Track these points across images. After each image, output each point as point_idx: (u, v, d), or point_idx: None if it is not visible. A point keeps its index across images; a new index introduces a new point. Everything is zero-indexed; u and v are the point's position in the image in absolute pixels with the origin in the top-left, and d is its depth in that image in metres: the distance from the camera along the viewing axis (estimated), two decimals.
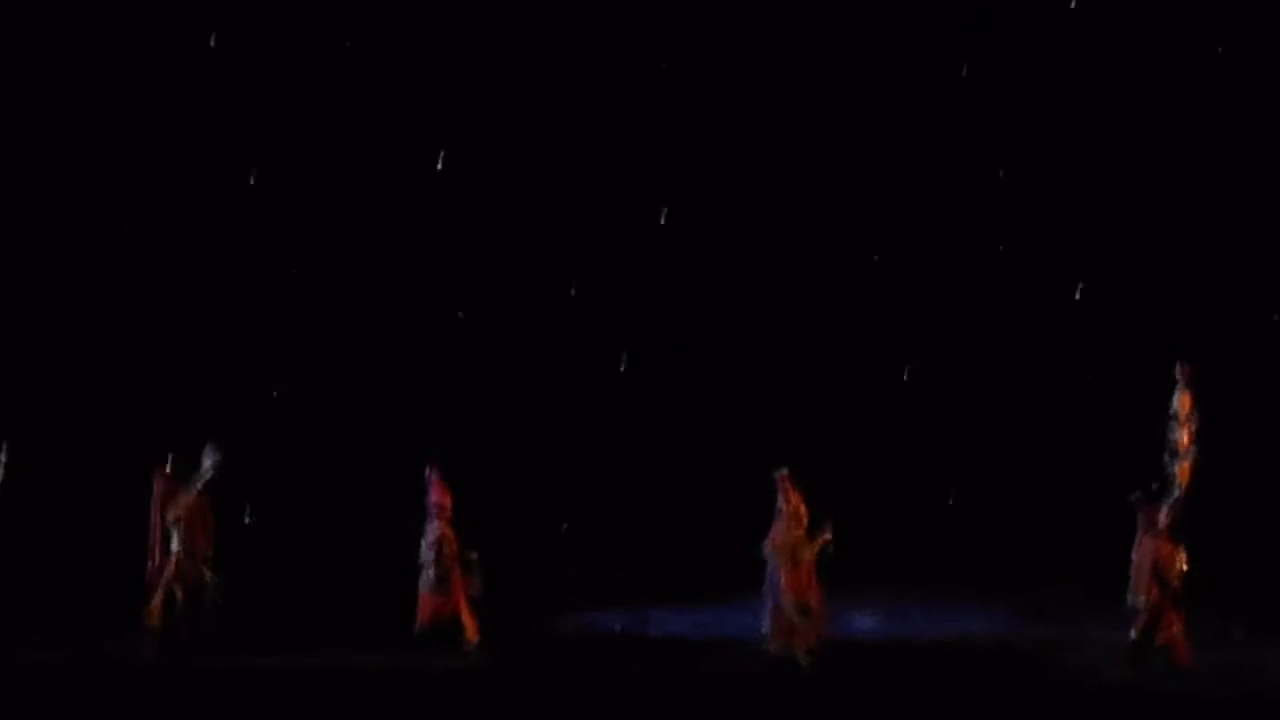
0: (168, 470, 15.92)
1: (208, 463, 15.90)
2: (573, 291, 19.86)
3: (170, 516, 15.81)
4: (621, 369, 19.76)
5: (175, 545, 15.78)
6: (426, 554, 16.22)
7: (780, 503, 16.13)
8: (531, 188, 19.75)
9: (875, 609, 17.81)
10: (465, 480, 16.42)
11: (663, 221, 19.67)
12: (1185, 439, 15.89)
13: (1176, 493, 15.84)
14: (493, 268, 19.92)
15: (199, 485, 15.88)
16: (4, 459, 16.15)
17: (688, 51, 19.78)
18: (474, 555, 16.28)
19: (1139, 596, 15.76)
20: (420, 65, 19.56)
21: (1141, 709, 14.35)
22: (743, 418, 19.59)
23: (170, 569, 15.78)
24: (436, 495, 16.33)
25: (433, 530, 16.27)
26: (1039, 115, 19.52)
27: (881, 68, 19.65)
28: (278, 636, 16.15)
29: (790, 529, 16.03)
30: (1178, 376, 15.93)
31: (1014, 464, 19.09)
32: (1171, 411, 15.93)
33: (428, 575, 16.18)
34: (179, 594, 15.75)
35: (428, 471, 16.37)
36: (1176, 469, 15.89)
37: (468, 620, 16.18)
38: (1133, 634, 15.71)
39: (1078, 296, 19.39)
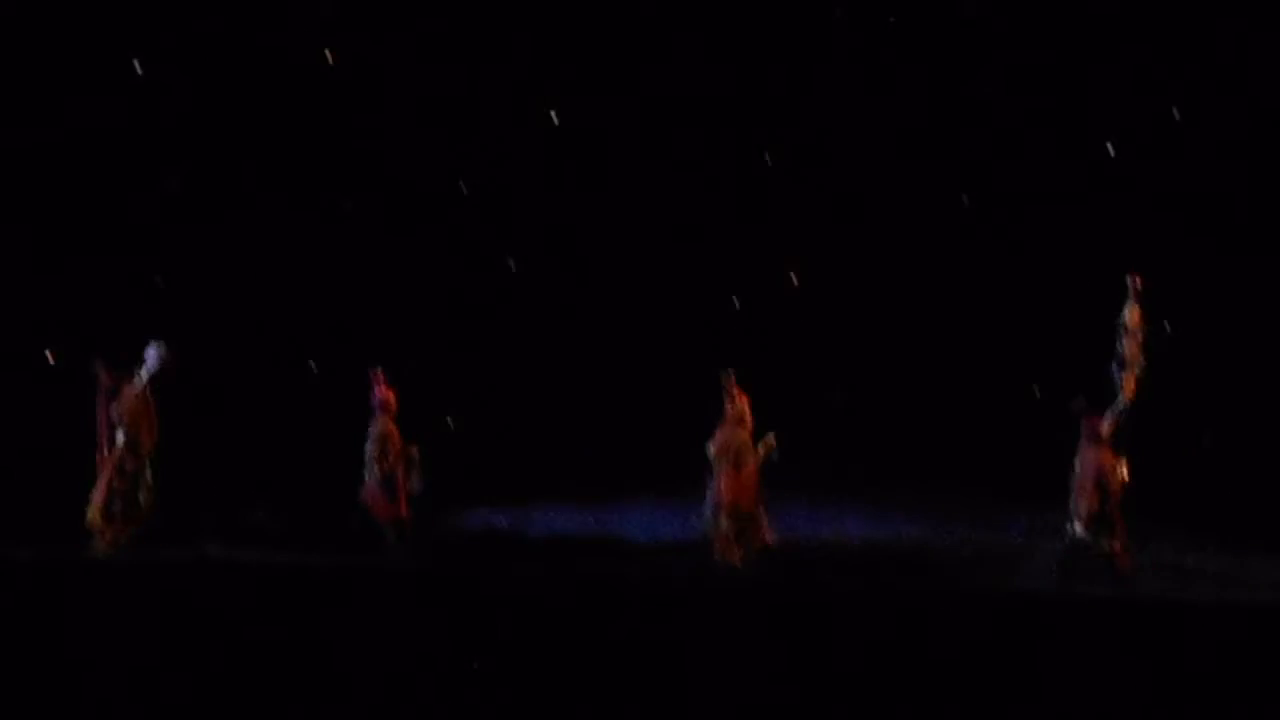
0: (110, 367, 15.80)
1: (151, 356, 15.79)
2: (465, 191, 19.79)
3: (115, 413, 15.72)
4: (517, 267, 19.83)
5: (119, 440, 15.71)
6: (370, 450, 16.22)
7: (726, 405, 16.13)
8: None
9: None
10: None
11: None
12: (1133, 350, 15.90)
13: (1122, 403, 15.88)
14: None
15: (143, 380, 15.78)
16: None
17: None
18: (415, 451, 16.27)
19: (1078, 504, 15.84)
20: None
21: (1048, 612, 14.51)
22: (634, 316, 19.63)
23: (111, 463, 15.72)
24: (381, 392, 16.30)
25: (377, 427, 16.25)
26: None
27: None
28: (217, 531, 16.13)
29: (735, 432, 16.02)
30: (1129, 288, 15.90)
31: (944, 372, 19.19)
32: (1120, 322, 15.92)
33: (373, 472, 16.18)
34: (119, 488, 15.69)
35: (372, 370, 16.33)
36: (1122, 379, 15.93)
37: (406, 517, 16.21)
38: (1070, 539, 15.80)
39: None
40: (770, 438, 15.91)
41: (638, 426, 18.39)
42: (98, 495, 15.65)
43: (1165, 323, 16.74)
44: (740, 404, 16.08)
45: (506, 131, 19.67)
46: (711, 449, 16.06)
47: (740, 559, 15.73)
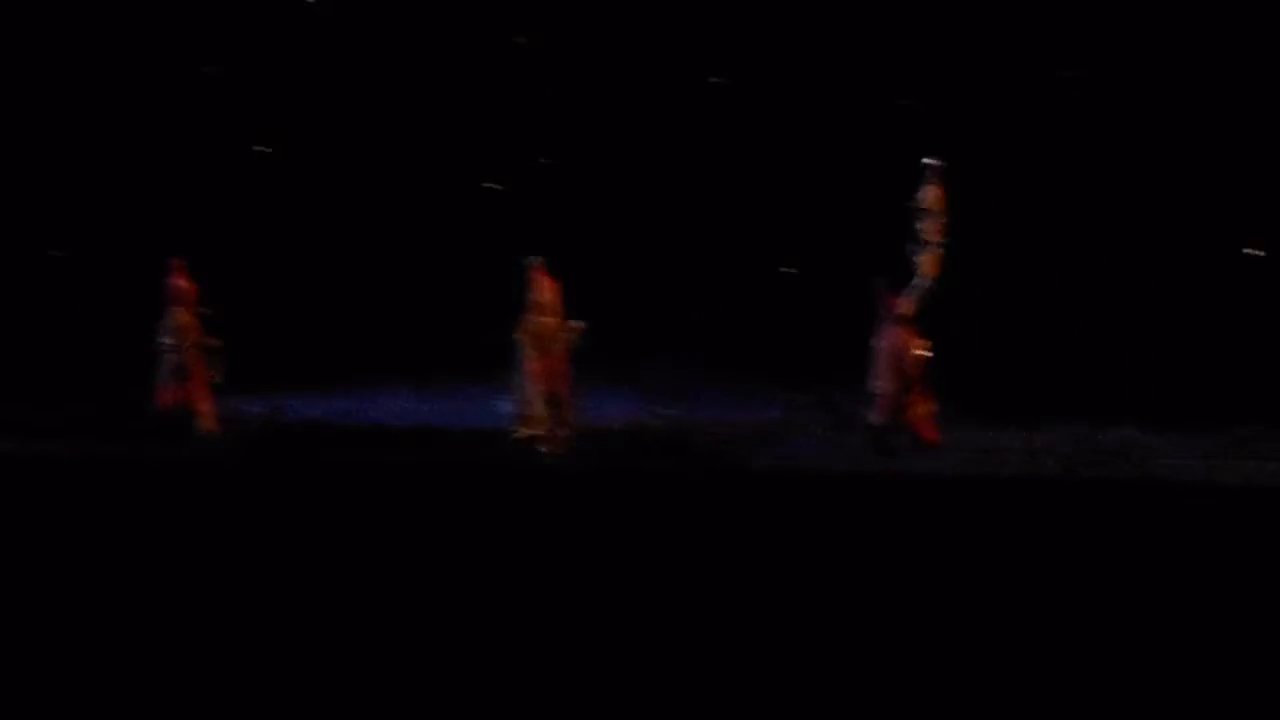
0: None
1: None
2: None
3: None
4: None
5: None
6: (167, 341, 15.90)
7: (532, 293, 16.08)
8: None
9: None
10: None
11: None
12: (932, 230, 16.12)
13: (920, 282, 16.11)
14: None
15: None
16: None
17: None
18: (215, 342, 15.97)
19: (878, 382, 16.07)
20: None
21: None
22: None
23: None
24: (178, 281, 15.96)
25: (174, 317, 15.93)
26: None
27: None
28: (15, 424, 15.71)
29: (540, 318, 15.98)
30: (928, 169, 16.10)
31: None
32: (918, 202, 16.12)
33: (168, 361, 15.86)
34: None
35: (171, 260, 15.99)
36: (921, 259, 16.15)
37: (205, 408, 15.94)
38: (874, 418, 16.03)
39: None
40: (577, 323, 15.89)
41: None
42: None
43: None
44: (546, 290, 16.02)
45: None
46: (520, 336, 16.00)
47: (561, 443, 15.72)
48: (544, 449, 15.68)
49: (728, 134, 19.63)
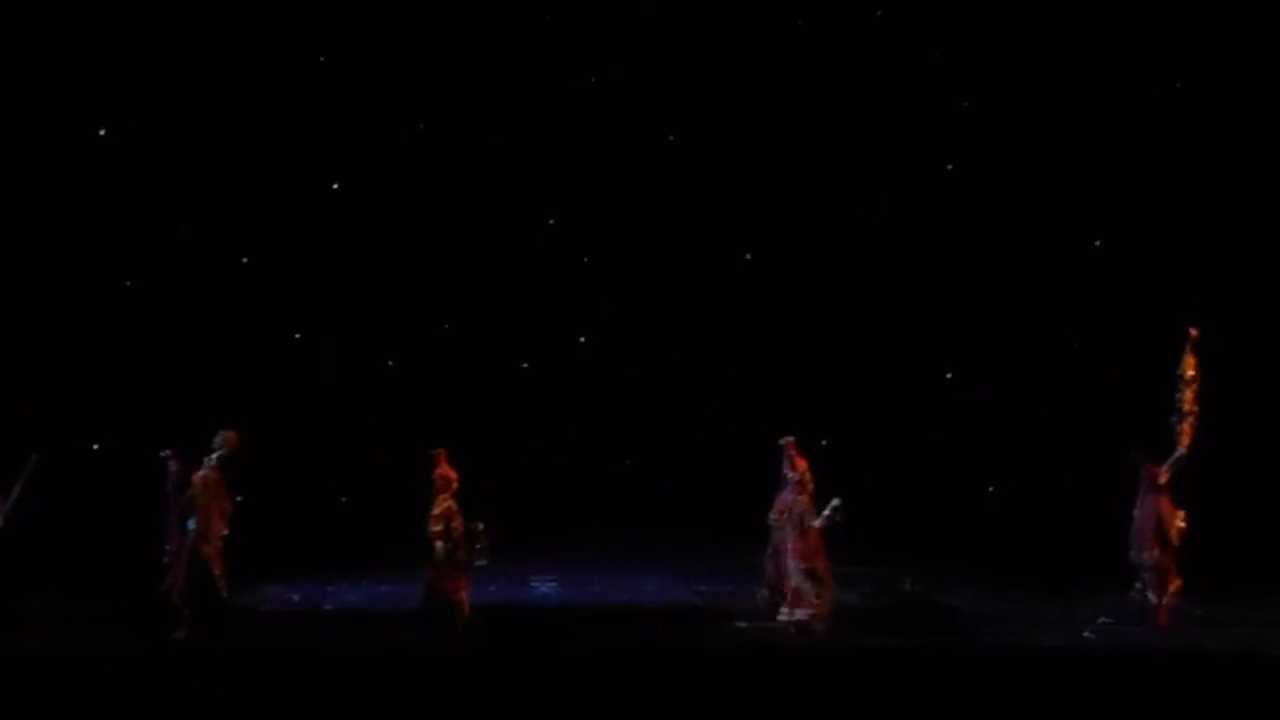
0: (181, 457, 15.73)
1: (218, 442, 15.72)
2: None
3: (186, 496, 15.62)
4: None
5: (191, 524, 15.57)
6: (433, 529, 16.10)
7: (786, 470, 16.15)
8: None
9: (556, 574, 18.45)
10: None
11: None
12: (1189, 400, 16.04)
13: (1179, 452, 16.01)
14: None
15: (212, 463, 15.68)
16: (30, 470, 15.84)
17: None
18: (480, 527, 16.17)
19: (1143, 554, 15.93)
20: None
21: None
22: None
23: (182, 548, 15.59)
24: (442, 469, 16.23)
25: (439, 504, 16.14)
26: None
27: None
28: (290, 616, 16.05)
29: (796, 496, 16.03)
30: (1187, 338, 16.08)
31: None
32: (1178, 372, 16.07)
33: (436, 550, 16.07)
34: (184, 575, 15.55)
35: (433, 450, 16.29)
36: (1180, 429, 16.06)
37: (463, 596, 16.06)
38: (1149, 594, 15.90)
39: None
40: (835, 500, 15.91)
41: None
42: (176, 577, 15.51)
43: None
44: (801, 468, 16.10)
45: None
46: (774, 515, 16.08)
47: (813, 620, 15.72)
48: (817, 627, 15.67)
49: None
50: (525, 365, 20.95)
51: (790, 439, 16.24)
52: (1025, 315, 19.96)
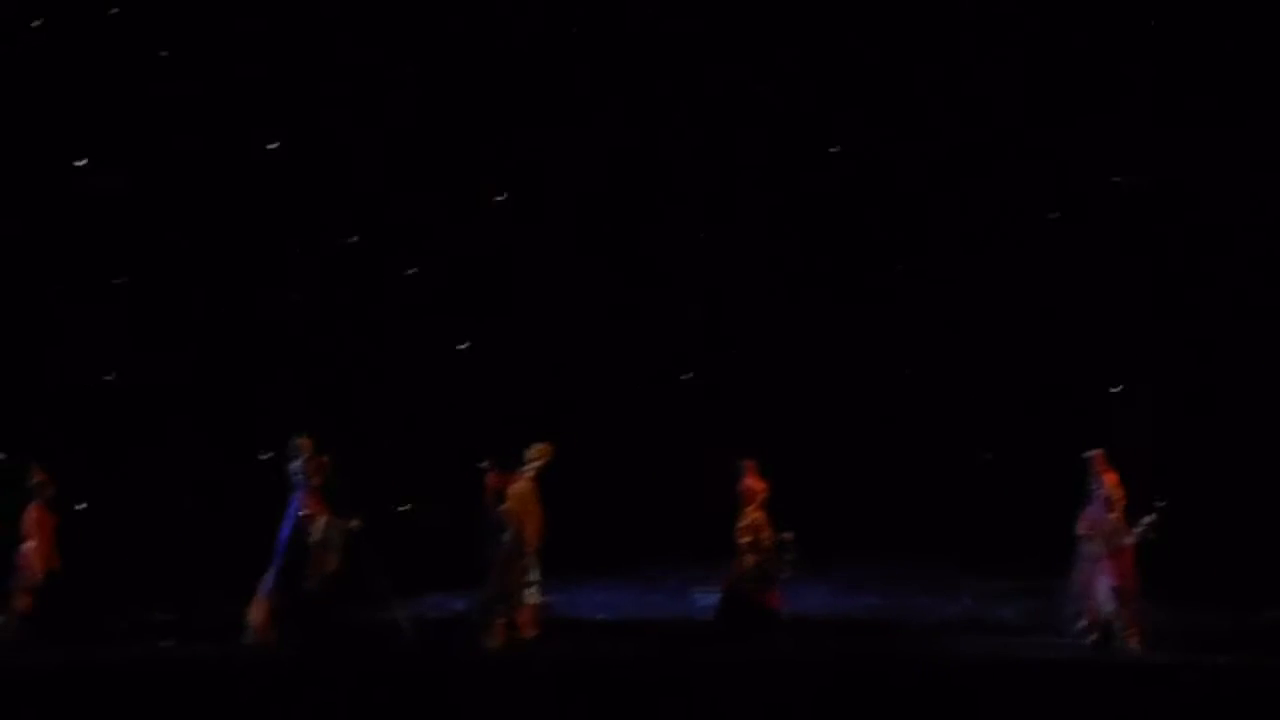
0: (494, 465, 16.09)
1: (531, 454, 16.04)
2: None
3: (501, 509, 15.96)
4: None
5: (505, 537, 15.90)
6: (742, 540, 16.24)
7: (1093, 484, 15.99)
8: None
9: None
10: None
11: None
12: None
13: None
14: None
15: (527, 475, 15.97)
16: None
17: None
18: (789, 537, 16.28)
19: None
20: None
21: None
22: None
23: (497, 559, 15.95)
24: (750, 481, 16.36)
25: (746, 516, 16.28)
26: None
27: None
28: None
29: (1106, 512, 15.87)
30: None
31: None
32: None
33: (746, 562, 16.20)
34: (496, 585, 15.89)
35: (741, 460, 16.43)
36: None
37: (774, 606, 16.23)
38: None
39: None
40: (1150, 518, 15.73)
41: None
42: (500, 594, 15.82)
43: None
44: (1110, 483, 15.93)
45: None
46: (1082, 529, 15.96)
47: (1128, 636, 15.62)
48: (1132, 645, 15.59)
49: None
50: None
51: (1098, 452, 16.07)
52: None
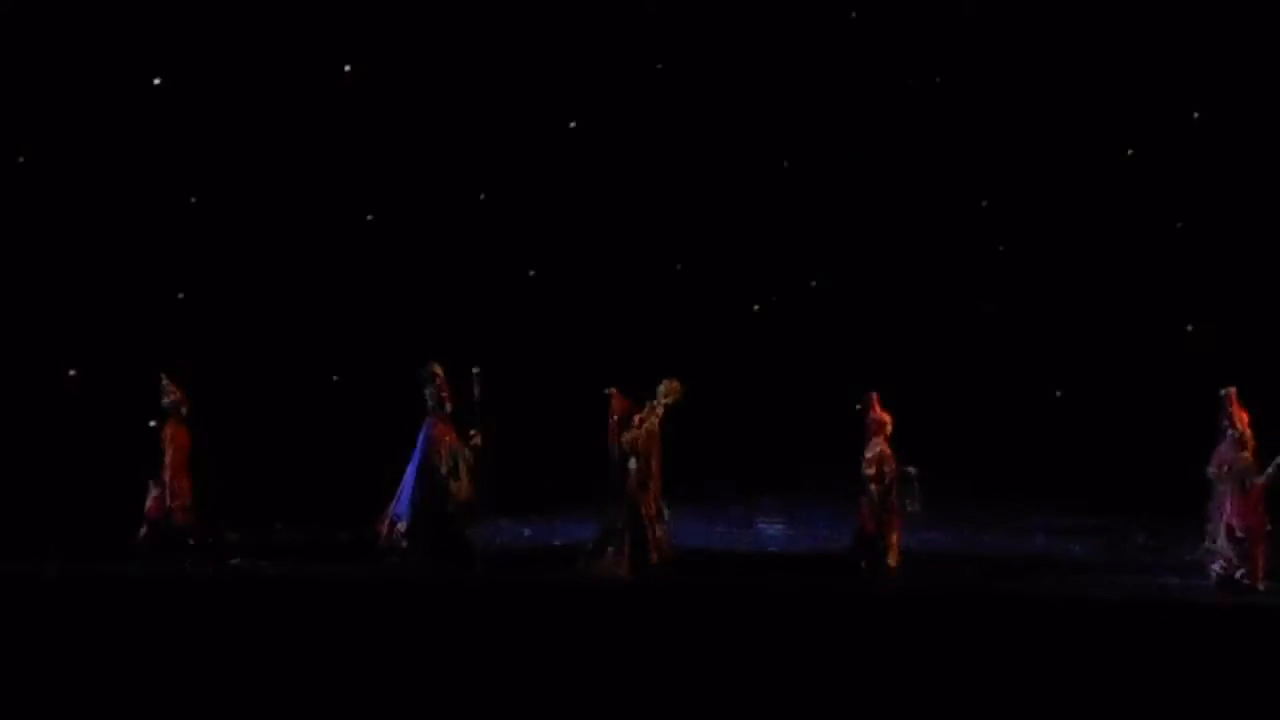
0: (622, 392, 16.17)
1: (661, 390, 16.11)
2: None
3: (628, 436, 16.05)
4: None
5: (631, 464, 15.98)
6: (866, 471, 16.29)
7: (1224, 423, 15.89)
8: None
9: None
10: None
11: None
12: None
13: None
14: None
15: (656, 410, 16.05)
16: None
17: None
18: (913, 471, 16.31)
19: None
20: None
21: None
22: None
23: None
24: (876, 413, 16.39)
25: (872, 448, 16.33)
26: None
27: None
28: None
29: (1238, 453, 15.78)
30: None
31: None
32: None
33: (869, 492, 16.27)
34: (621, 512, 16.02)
35: (867, 392, 16.46)
36: None
37: (894, 541, 16.24)
38: None
39: None
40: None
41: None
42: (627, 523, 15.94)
43: None
44: (1241, 422, 15.82)
45: None
46: (1213, 468, 15.88)
47: (1250, 575, 15.58)
48: (1254, 586, 15.53)
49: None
50: (755, 307, 21.09)
51: (1231, 390, 15.94)
52: None
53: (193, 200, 19.68)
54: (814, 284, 21.08)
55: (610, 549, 15.83)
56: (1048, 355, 20.34)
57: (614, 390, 16.12)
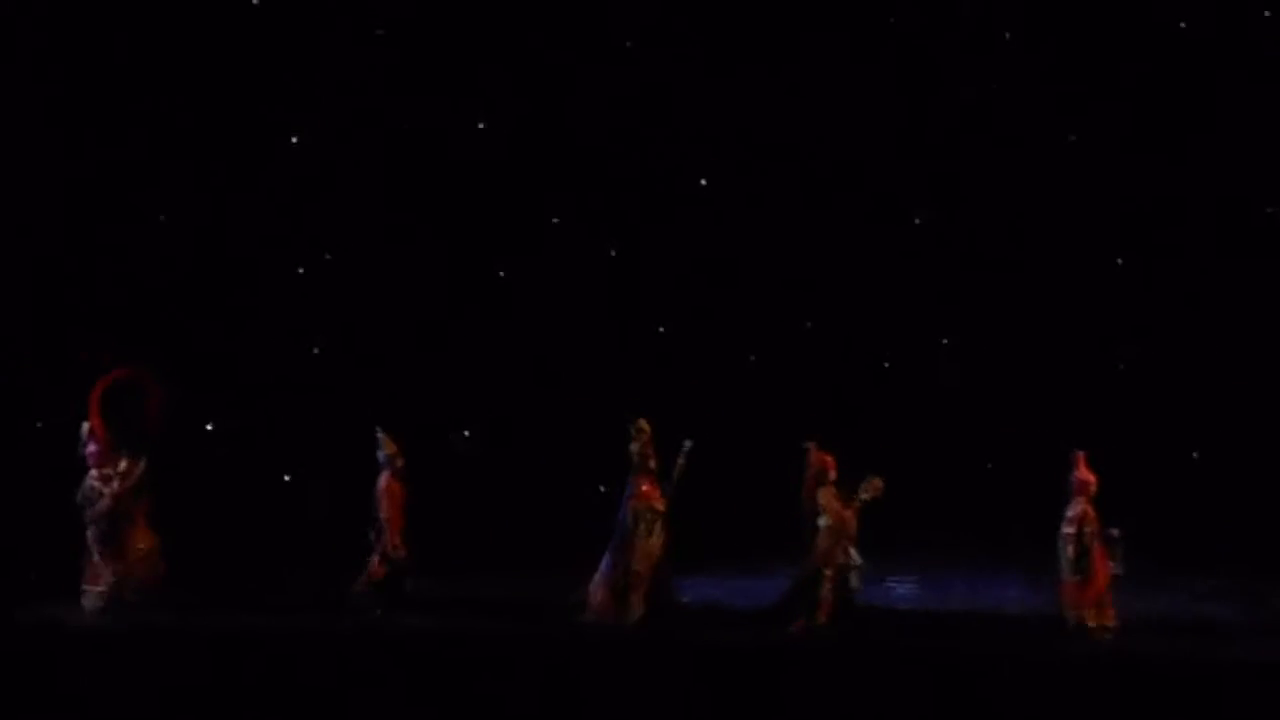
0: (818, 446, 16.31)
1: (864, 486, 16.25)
2: None
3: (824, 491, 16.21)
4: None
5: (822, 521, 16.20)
6: (1065, 530, 16.19)
7: None
8: None
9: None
10: None
11: None
12: None
13: None
14: None
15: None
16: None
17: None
18: (1117, 533, 16.20)
19: None
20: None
21: None
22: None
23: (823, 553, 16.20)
24: (1081, 473, 16.31)
25: (1074, 507, 16.22)
26: None
27: None
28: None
29: None
30: None
31: None
32: None
33: (1065, 554, 16.15)
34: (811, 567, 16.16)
35: (1073, 452, 16.39)
36: None
37: (1093, 599, 16.05)
38: None
39: None
40: None
41: None
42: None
43: None
44: None
45: None
46: None
47: None
48: None
49: None
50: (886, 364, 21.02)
51: None
52: None
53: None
54: (945, 341, 21.06)
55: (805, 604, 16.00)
56: (1187, 413, 20.06)
57: (812, 444, 16.27)
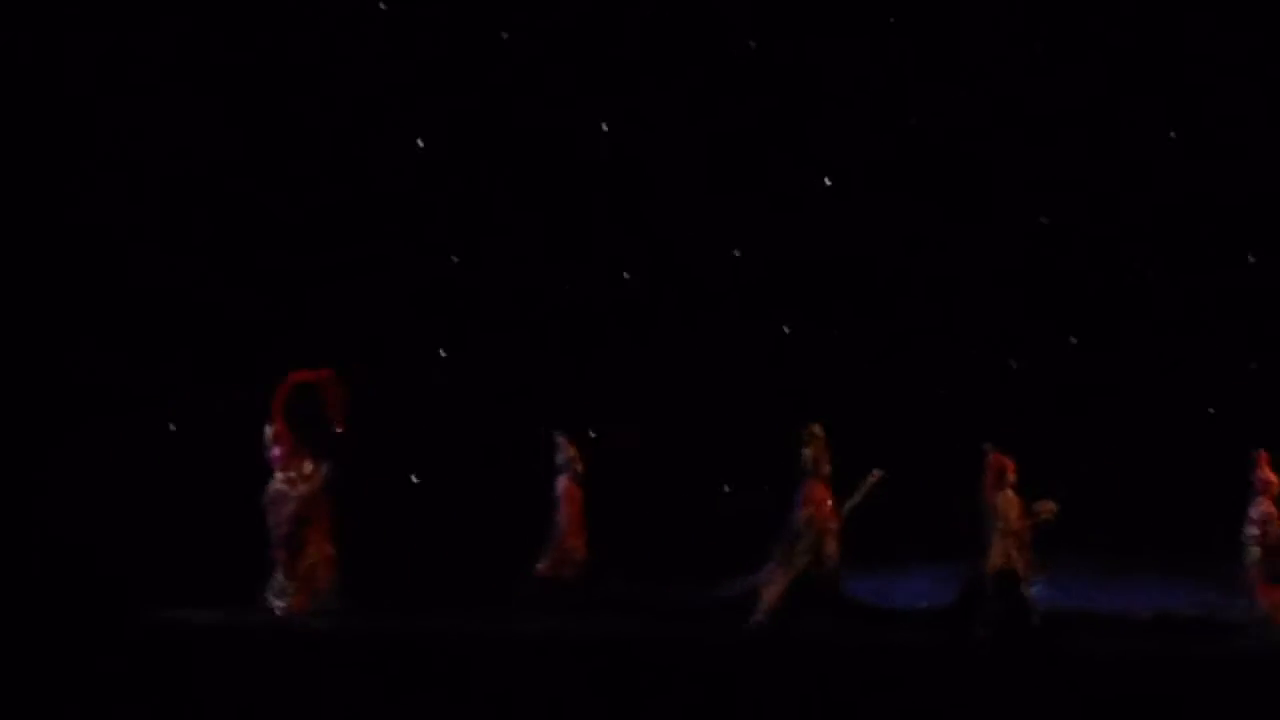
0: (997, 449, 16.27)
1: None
2: None
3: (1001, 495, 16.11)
4: None
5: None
6: (1250, 532, 16.04)
7: None
8: None
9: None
10: None
11: None
12: None
13: None
14: None
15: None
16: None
17: None
18: None
19: None
20: None
21: None
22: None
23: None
24: (1264, 472, 16.12)
25: (1257, 507, 16.06)
26: None
27: None
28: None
29: None
30: None
31: None
32: None
33: (1252, 555, 16.00)
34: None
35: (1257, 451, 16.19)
36: None
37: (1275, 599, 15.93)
38: None
39: None
40: None
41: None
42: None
43: None
44: None
45: None
46: None
47: None
48: None
49: None
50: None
51: None
52: None
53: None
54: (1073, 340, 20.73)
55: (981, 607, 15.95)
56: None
57: (990, 446, 16.22)
